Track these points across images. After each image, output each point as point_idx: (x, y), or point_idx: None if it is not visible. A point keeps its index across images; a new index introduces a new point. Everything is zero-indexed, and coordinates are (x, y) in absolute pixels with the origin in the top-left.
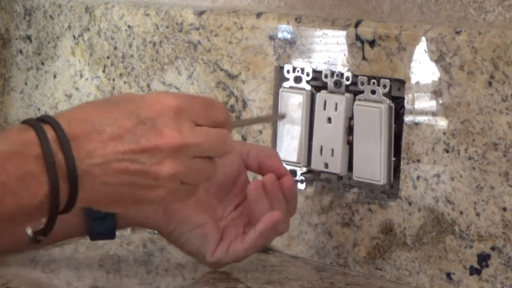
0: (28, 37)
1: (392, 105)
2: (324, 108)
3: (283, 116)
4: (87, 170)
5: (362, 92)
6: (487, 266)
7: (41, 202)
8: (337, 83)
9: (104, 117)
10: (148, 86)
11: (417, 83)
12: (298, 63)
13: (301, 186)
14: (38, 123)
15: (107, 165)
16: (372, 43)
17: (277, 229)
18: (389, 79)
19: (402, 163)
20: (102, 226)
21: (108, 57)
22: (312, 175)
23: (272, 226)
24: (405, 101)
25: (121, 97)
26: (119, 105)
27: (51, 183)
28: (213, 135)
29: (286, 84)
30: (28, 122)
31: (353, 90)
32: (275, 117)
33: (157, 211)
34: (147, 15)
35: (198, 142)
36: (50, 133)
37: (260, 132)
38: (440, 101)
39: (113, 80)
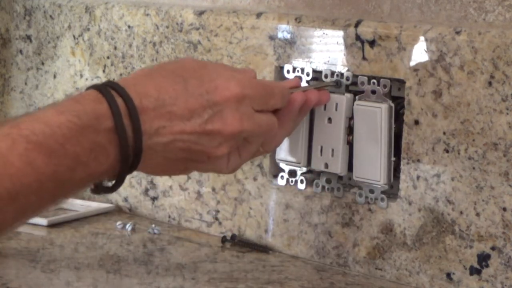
0: (28, 37)
1: (392, 105)
2: (324, 108)
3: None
4: (152, 146)
5: (362, 92)
6: (487, 266)
7: (107, 170)
8: (337, 83)
9: (175, 96)
10: None
11: (417, 83)
12: (298, 63)
13: (301, 186)
14: (111, 96)
15: (171, 144)
16: (372, 43)
17: (300, 114)
18: (389, 79)
19: (402, 163)
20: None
21: (108, 57)
22: (312, 175)
23: (305, 103)
24: (405, 101)
25: (189, 71)
26: (188, 83)
27: (122, 155)
28: (265, 125)
29: None
30: (101, 91)
31: (353, 90)
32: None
33: None
34: (147, 15)
35: (252, 130)
36: (122, 108)
37: None
38: (440, 101)
39: (113, 80)
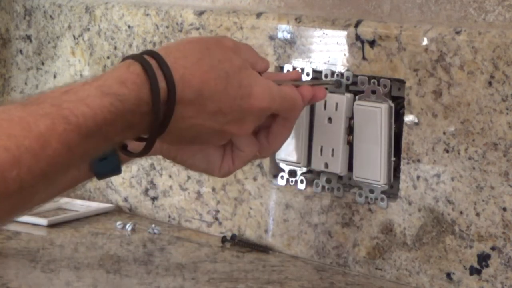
0: (28, 37)
1: (392, 105)
2: (324, 108)
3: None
4: (172, 128)
5: (362, 92)
6: (487, 266)
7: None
8: (337, 83)
9: (214, 92)
10: None
11: (417, 83)
12: (298, 63)
13: (301, 186)
14: (156, 82)
15: (188, 129)
16: (372, 43)
17: (297, 109)
18: (389, 79)
19: (402, 163)
20: (107, 165)
21: (108, 57)
22: (312, 175)
23: (311, 98)
24: (405, 101)
25: (233, 67)
26: (229, 83)
27: (150, 133)
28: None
29: None
30: (147, 72)
31: (353, 90)
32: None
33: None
34: (147, 15)
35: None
36: (164, 95)
37: None
38: (440, 101)
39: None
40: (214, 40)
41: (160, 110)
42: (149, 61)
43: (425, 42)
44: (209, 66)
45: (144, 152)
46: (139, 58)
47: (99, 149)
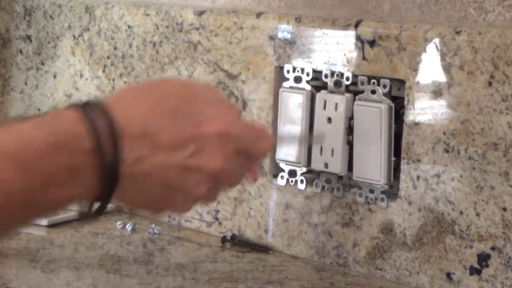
0: (28, 37)
1: (392, 105)
2: (324, 108)
3: (322, 138)
4: (130, 175)
5: (362, 92)
6: (487, 266)
7: (84, 194)
8: (337, 83)
9: (161, 125)
10: None
11: (417, 83)
12: (298, 63)
13: (301, 186)
14: (93, 117)
15: (151, 175)
16: (372, 43)
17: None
18: (389, 79)
19: (402, 163)
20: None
21: (108, 57)
22: (312, 175)
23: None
24: (405, 101)
25: (178, 98)
26: (176, 113)
27: (100, 180)
28: (244, 170)
29: (286, 84)
30: (83, 110)
31: (353, 90)
32: (314, 139)
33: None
34: (147, 15)
35: (231, 171)
36: (104, 130)
37: None
38: (440, 101)
39: (113, 80)
40: (158, 81)
41: (102, 148)
42: (84, 102)
43: (425, 42)
44: (150, 100)
45: (99, 211)
46: (76, 104)
47: (49, 193)
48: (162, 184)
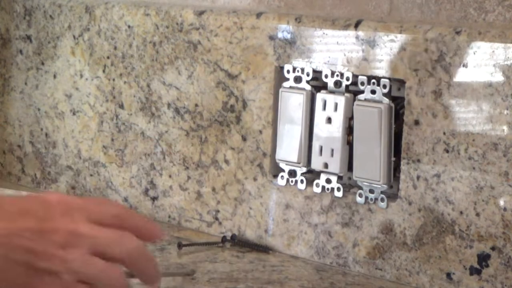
0: (28, 37)
1: (392, 105)
2: (324, 108)
3: (192, 273)
4: None
5: (362, 92)
6: (487, 266)
7: None
8: (337, 83)
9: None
10: (148, 86)
11: (417, 83)
12: (298, 63)
13: (301, 186)
14: None
15: (7, 239)
16: (372, 43)
17: None
18: (389, 79)
19: (402, 163)
20: None
21: (108, 57)
22: (312, 175)
23: None
24: (405, 101)
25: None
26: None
27: None
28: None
29: (286, 84)
30: None
31: (353, 90)
32: (184, 272)
33: None
34: (147, 15)
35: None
36: None
37: (260, 132)
38: (440, 101)
39: (113, 80)
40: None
41: None
42: None
43: (425, 42)
44: None
45: None
46: None
47: None
48: (25, 249)
